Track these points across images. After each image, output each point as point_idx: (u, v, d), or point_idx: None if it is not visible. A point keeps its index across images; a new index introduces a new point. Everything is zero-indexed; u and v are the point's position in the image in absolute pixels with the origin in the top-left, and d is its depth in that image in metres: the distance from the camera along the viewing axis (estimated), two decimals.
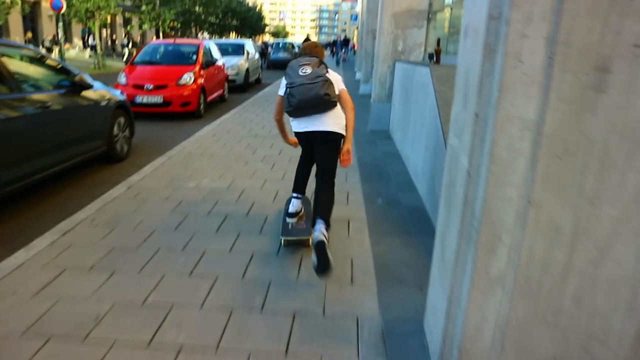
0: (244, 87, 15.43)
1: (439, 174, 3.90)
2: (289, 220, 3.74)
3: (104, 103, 6.09)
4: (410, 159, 5.54)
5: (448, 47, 7.74)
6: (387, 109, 8.01)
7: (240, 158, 6.24)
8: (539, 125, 1.47)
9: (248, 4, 65.92)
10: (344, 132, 3.35)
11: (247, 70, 15.76)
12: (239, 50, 16.43)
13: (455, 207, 1.90)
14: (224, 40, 17.07)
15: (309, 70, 3.24)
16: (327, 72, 3.27)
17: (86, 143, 5.65)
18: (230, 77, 14.58)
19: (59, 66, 5.68)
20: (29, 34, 28.44)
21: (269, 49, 30.48)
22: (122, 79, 9.99)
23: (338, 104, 3.33)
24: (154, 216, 4.16)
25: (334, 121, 3.32)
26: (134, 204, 4.44)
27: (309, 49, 3.54)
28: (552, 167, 1.49)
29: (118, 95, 6.61)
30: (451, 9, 7.29)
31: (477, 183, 1.66)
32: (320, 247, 2.89)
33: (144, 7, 32.04)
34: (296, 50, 30.14)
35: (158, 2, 34.63)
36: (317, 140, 3.39)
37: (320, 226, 3.02)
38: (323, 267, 2.83)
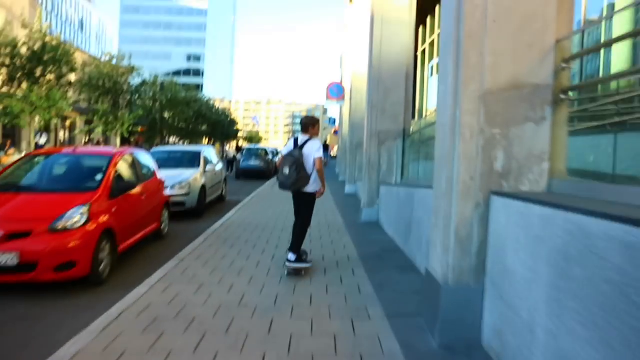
0: (198, 211, 10.98)
1: None
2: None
3: None
4: None
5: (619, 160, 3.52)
6: (478, 300, 3.60)
7: None
8: None
9: (219, 109, 64.12)
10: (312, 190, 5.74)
11: (204, 187, 11.42)
12: (193, 160, 12.22)
13: None
14: (171, 147, 13.09)
15: (287, 171, 5.50)
16: (301, 164, 5.50)
17: None
18: (175, 200, 10.17)
19: None
20: None
21: (239, 155, 26.38)
22: None
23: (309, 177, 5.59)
24: None
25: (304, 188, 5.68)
26: None
27: (305, 126, 5.83)
28: None
29: None
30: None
31: None
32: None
33: (98, 108, 28.28)
34: (270, 156, 26.37)
35: (123, 104, 31.11)
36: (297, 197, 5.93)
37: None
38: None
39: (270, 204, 12.67)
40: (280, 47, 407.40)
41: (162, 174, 9.70)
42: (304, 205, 5.86)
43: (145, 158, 8.33)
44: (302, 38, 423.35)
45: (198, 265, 6.18)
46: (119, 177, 6.68)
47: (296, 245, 5.79)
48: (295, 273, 5.74)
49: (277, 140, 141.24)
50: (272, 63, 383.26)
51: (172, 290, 5.13)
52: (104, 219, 5.88)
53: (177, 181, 10.57)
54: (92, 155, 7.24)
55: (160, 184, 8.59)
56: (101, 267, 5.72)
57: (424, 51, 16.96)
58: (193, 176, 11.16)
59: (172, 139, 52.50)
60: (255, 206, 12.18)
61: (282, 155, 5.80)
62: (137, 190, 7.20)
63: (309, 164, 5.61)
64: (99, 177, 6.35)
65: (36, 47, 20.01)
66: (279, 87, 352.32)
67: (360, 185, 14.63)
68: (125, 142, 36.67)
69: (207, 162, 12.57)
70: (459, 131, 3.61)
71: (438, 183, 3.99)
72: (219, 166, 14.07)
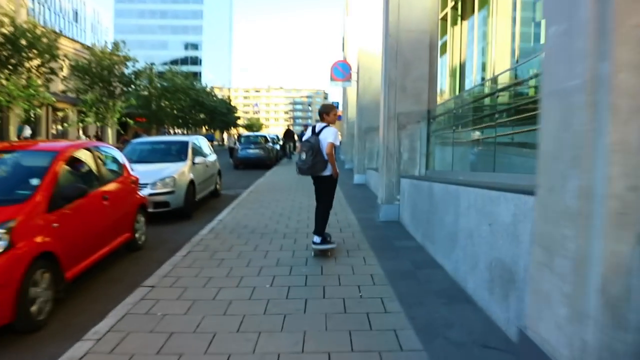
0: (185, 211, 9.35)
1: None
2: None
3: None
4: None
5: None
6: None
7: None
8: None
9: (216, 95, 62.26)
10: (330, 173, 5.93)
11: (192, 183, 9.79)
12: (180, 152, 10.56)
13: None
14: (155, 138, 11.50)
15: (304, 156, 5.79)
16: (317, 149, 5.76)
17: None
18: (157, 199, 8.59)
19: None
20: None
21: (237, 144, 24.61)
22: None
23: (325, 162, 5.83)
24: None
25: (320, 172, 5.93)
26: None
27: (321, 114, 6.11)
28: None
29: None
30: None
31: None
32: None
33: (87, 98, 26.54)
34: (270, 144, 24.64)
35: (117, 93, 29.35)
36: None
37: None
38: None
39: (271, 199, 11.05)
40: (279, 33, 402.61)
41: (142, 169, 8.15)
42: (324, 189, 6.11)
43: (112, 152, 6.69)
44: (301, 22, 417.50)
45: (171, 297, 4.57)
46: (66, 180, 5.04)
47: (320, 228, 6.03)
48: (322, 254, 6.00)
49: (277, 128, 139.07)
50: (272, 50, 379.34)
51: (127, 345, 3.53)
52: (38, 239, 4.27)
53: (159, 177, 8.95)
54: (32, 153, 5.57)
55: (133, 184, 6.97)
56: (34, 308, 4.12)
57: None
58: (179, 171, 9.52)
59: (171, 129, 50.82)
60: (253, 203, 10.56)
61: (301, 141, 6.18)
62: (96, 194, 5.58)
63: (324, 149, 5.85)
64: (34, 182, 4.70)
65: (6, 31, 18.22)
66: (279, 74, 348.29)
67: (372, 175, 13.02)
68: (120, 134, 35.01)
69: (196, 153, 10.92)
70: (608, 102, 1.95)
71: (553, 194, 2.33)
72: (212, 157, 12.40)
